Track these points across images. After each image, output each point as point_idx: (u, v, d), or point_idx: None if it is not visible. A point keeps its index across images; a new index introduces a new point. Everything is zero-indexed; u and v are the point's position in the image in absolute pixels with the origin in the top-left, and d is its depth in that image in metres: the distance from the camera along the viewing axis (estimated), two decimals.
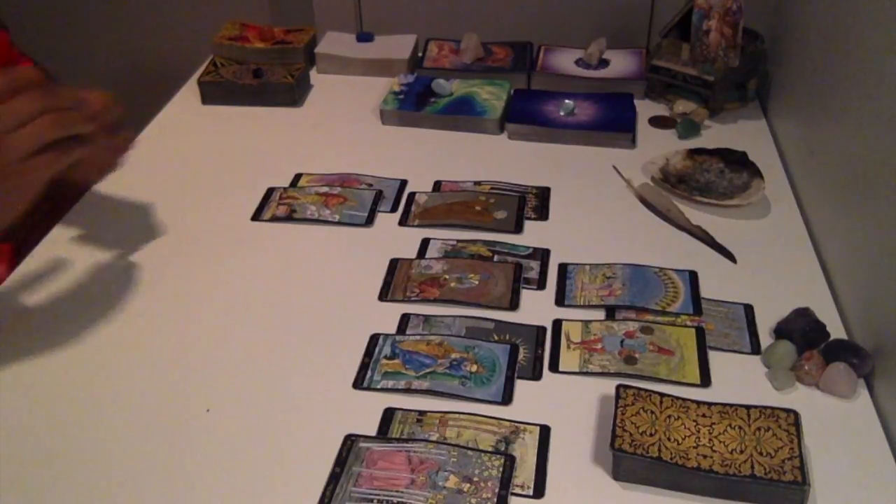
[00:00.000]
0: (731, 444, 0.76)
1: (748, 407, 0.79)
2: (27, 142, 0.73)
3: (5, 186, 0.75)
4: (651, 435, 0.76)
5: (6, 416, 0.84)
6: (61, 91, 0.76)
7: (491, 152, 1.31)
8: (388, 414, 0.83)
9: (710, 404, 0.80)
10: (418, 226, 1.13)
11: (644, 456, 0.74)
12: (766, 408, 0.79)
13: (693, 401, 0.80)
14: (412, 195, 1.19)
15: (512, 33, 1.64)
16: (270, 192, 1.20)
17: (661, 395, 0.81)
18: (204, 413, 0.83)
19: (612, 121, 1.35)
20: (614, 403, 0.79)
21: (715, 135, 1.35)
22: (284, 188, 1.21)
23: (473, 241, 1.09)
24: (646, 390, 0.81)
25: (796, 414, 0.78)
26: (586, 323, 0.95)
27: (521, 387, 0.87)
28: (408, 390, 0.86)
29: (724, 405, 0.80)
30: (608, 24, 1.83)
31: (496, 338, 0.93)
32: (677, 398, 0.81)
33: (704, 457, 0.75)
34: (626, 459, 0.75)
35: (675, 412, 0.79)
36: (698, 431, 0.77)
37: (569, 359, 0.90)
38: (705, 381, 0.87)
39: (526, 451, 0.79)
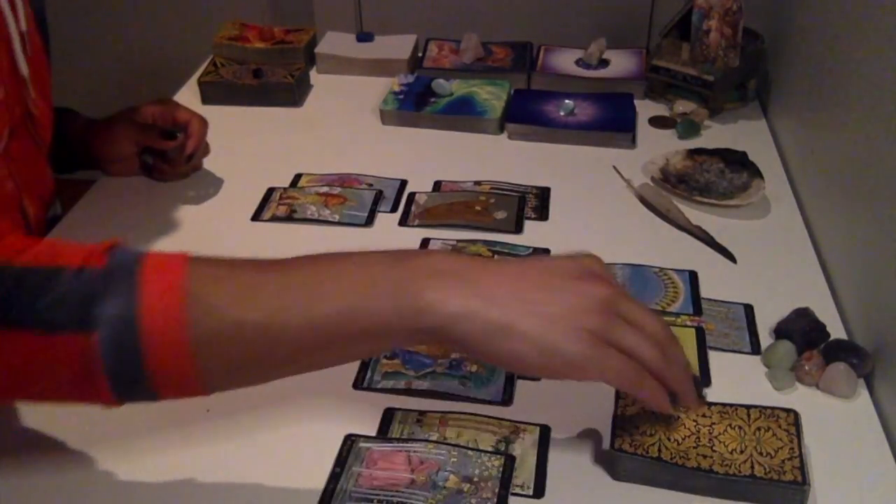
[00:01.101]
0: (731, 445, 0.76)
1: (748, 407, 0.79)
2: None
3: None
4: (651, 435, 0.76)
5: (6, 415, 0.84)
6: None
7: (491, 152, 1.31)
8: (388, 414, 0.83)
9: (709, 404, 0.80)
10: (418, 226, 1.13)
11: (644, 456, 0.74)
12: (765, 408, 0.79)
13: None
14: (412, 195, 1.19)
15: (512, 33, 1.64)
16: (270, 192, 1.20)
17: None
18: (204, 413, 0.83)
19: (612, 121, 1.35)
20: (614, 403, 0.79)
21: (715, 135, 1.35)
22: (284, 188, 1.21)
23: (473, 241, 1.09)
24: None
25: (796, 414, 0.78)
26: None
27: (521, 387, 0.87)
28: (408, 390, 0.86)
29: (724, 405, 0.80)
30: (608, 24, 1.83)
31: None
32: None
33: (704, 457, 0.74)
34: (626, 459, 0.75)
35: (674, 412, 0.79)
36: (698, 431, 0.77)
37: None
38: (705, 381, 0.86)
39: (526, 451, 0.79)
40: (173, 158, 1.16)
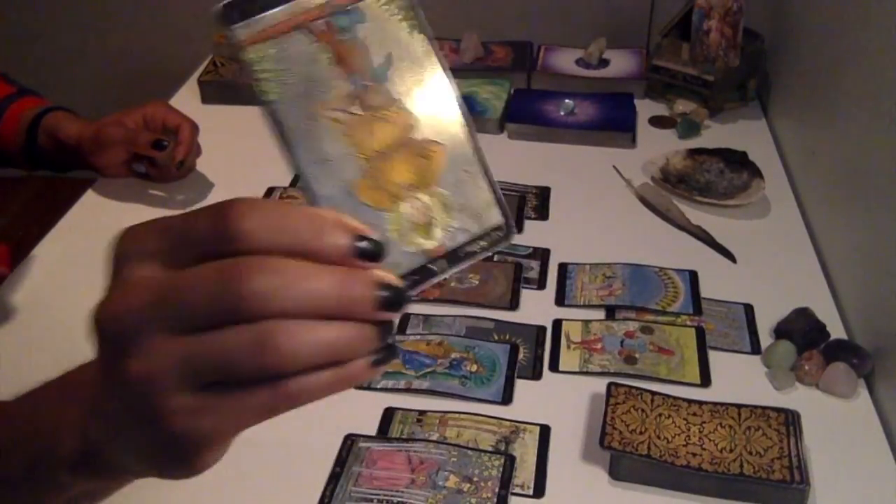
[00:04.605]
0: (721, 443, 0.76)
1: (739, 406, 0.79)
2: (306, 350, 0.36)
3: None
4: (641, 433, 0.76)
5: None
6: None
7: (491, 152, 1.30)
8: (388, 414, 0.83)
9: (701, 403, 0.80)
10: None
11: (633, 453, 0.74)
12: (756, 407, 0.79)
13: (684, 400, 0.80)
14: None
15: (512, 33, 1.64)
16: (270, 191, 1.20)
17: (653, 393, 0.81)
18: None
19: (612, 121, 1.34)
20: (605, 401, 0.79)
21: (715, 135, 1.35)
22: (284, 188, 1.21)
23: None
24: (637, 389, 0.81)
25: (787, 414, 0.78)
26: (586, 323, 0.94)
27: (521, 387, 0.87)
28: (408, 390, 0.86)
29: (716, 404, 0.80)
30: (608, 23, 1.83)
31: (496, 337, 0.93)
32: (668, 397, 0.81)
33: (694, 455, 0.75)
34: (624, 459, 0.75)
35: (665, 411, 0.79)
36: (688, 430, 0.77)
37: (569, 359, 0.90)
38: (705, 381, 0.86)
39: (526, 451, 0.79)
40: (164, 165, 1.16)
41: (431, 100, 0.42)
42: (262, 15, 0.38)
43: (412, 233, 0.40)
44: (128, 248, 0.39)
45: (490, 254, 0.42)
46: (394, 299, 0.36)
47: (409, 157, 0.41)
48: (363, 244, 0.36)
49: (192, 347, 0.35)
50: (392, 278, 0.37)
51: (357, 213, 0.39)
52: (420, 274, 0.40)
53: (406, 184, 0.40)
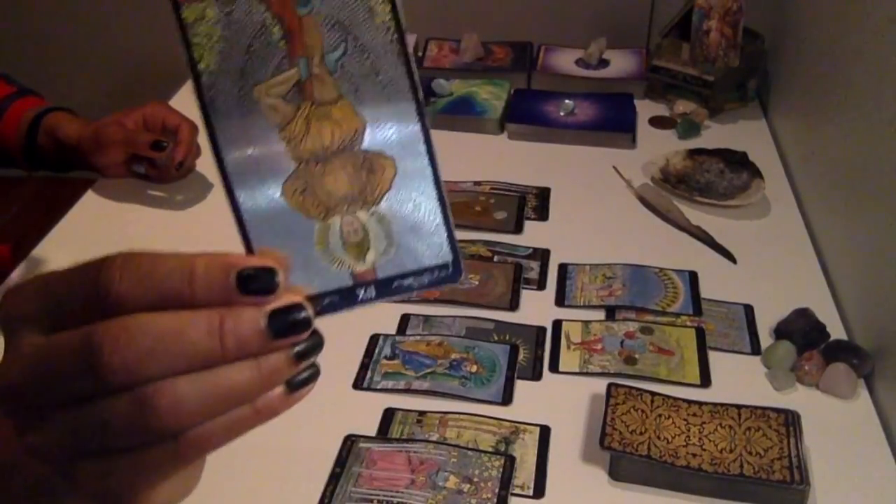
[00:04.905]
0: (721, 444, 0.76)
1: (739, 407, 0.79)
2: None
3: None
4: (641, 433, 0.77)
5: None
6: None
7: (491, 152, 1.31)
8: (388, 414, 0.83)
9: (700, 404, 0.80)
10: None
11: (633, 454, 0.74)
12: (756, 408, 0.79)
13: (684, 400, 0.80)
14: None
15: (512, 33, 1.64)
16: None
17: (653, 394, 0.81)
18: None
19: (612, 121, 1.34)
20: (605, 402, 0.79)
21: (715, 135, 1.35)
22: None
23: (473, 242, 1.09)
24: (637, 389, 0.81)
25: (787, 414, 0.78)
26: (586, 323, 0.94)
27: (521, 387, 0.87)
28: (408, 390, 0.86)
29: (716, 405, 0.80)
30: (608, 23, 1.83)
31: (496, 338, 0.93)
32: (668, 397, 0.81)
33: (694, 455, 0.75)
34: (623, 459, 0.75)
35: (665, 411, 0.79)
36: (688, 430, 0.77)
37: (569, 359, 0.90)
38: (705, 381, 0.86)
39: (526, 452, 0.79)
40: (163, 165, 1.16)
41: (388, 104, 0.35)
42: None
43: (340, 250, 0.35)
44: (11, 311, 0.36)
45: (427, 290, 0.38)
46: (289, 324, 0.33)
47: (351, 167, 0.35)
48: (246, 278, 0.33)
49: (75, 421, 0.33)
50: (289, 300, 0.33)
51: (279, 218, 0.35)
52: (341, 295, 0.35)
53: (343, 195, 0.35)
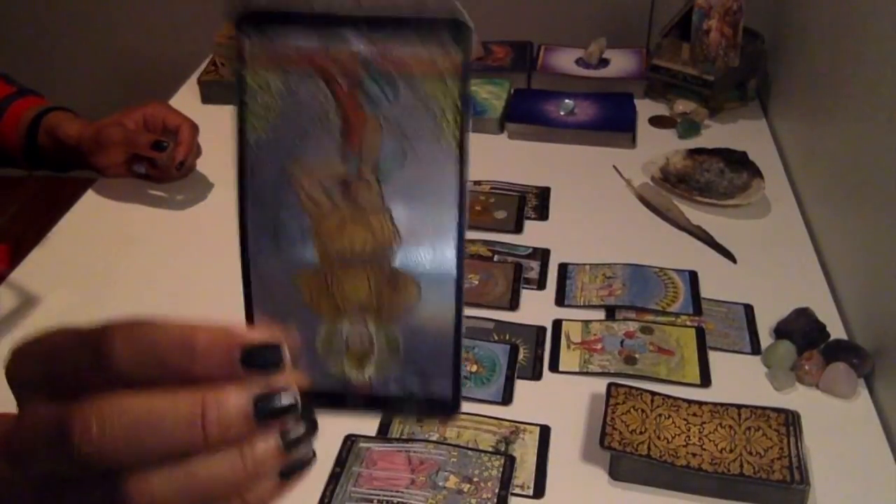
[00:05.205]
0: (721, 444, 0.76)
1: (739, 406, 0.79)
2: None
3: None
4: (641, 433, 0.77)
5: None
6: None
7: (491, 152, 1.31)
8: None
9: (701, 404, 0.80)
10: None
11: (633, 454, 0.74)
12: (756, 408, 0.79)
13: (684, 400, 0.80)
14: None
15: (512, 33, 1.64)
16: None
17: (653, 393, 0.81)
18: None
19: (612, 121, 1.34)
20: (605, 402, 0.79)
21: (715, 135, 1.35)
22: None
23: (473, 241, 1.09)
24: (637, 389, 0.81)
25: (787, 414, 0.78)
26: (586, 323, 0.94)
27: (521, 387, 0.87)
28: None
29: (716, 405, 0.80)
30: (608, 23, 1.83)
31: (496, 338, 0.93)
32: (668, 397, 0.81)
33: (694, 455, 0.75)
34: (624, 459, 0.75)
35: (665, 411, 0.79)
36: (688, 430, 0.77)
37: (569, 359, 0.90)
38: (705, 381, 0.86)
39: (526, 451, 0.79)
40: (163, 166, 1.16)
41: (430, 230, 0.33)
42: (284, 34, 0.31)
43: (341, 356, 0.34)
44: (18, 376, 0.35)
45: (417, 420, 0.37)
46: (276, 410, 0.31)
47: (375, 278, 0.33)
48: (251, 353, 0.31)
49: (54, 499, 0.33)
50: (276, 384, 0.31)
51: (288, 305, 0.33)
52: (330, 399, 0.34)
53: (359, 303, 0.33)
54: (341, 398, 0.34)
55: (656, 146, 1.30)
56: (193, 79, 1.50)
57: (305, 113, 0.32)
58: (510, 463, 0.76)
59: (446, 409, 0.34)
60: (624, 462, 0.75)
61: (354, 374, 0.34)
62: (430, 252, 0.33)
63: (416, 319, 0.33)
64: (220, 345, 0.32)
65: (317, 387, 0.33)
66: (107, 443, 0.31)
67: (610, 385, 0.81)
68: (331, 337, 0.34)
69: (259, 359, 0.31)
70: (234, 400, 0.31)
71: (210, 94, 1.45)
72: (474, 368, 0.88)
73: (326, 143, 0.32)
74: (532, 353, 0.91)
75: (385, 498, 0.73)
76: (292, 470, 0.33)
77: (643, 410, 0.79)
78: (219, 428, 0.31)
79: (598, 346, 0.91)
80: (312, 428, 0.33)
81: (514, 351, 0.90)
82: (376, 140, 0.32)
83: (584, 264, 1.04)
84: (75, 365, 0.33)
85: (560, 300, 0.99)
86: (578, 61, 1.52)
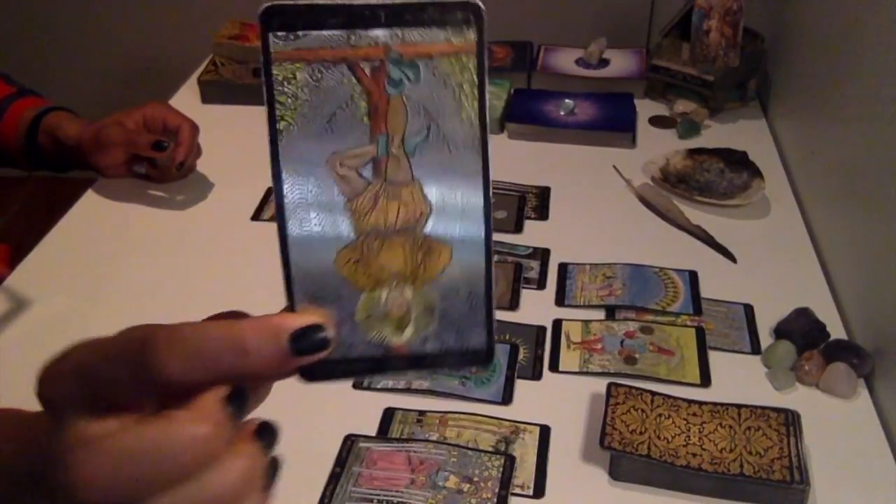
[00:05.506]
0: (721, 444, 0.76)
1: (739, 406, 0.79)
2: None
3: None
4: (641, 433, 0.77)
5: None
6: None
7: (491, 152, 1.31)
8: (388, 414, 0.83)
9: (701, 403, 0.80)
10: None
11: (633, 454, 0.74)
12: (756, 407, 0.79)
13: (684, 400, 0.80)
14: None
15: (512, 33, 1.64)
16: (270, 191, 1.20)
17: (653, 393, 0.81)
18: None
19: (612, 120, 1.34)
20: (605, 401, 0.79)
21: (715, 135, 1.35)
22: None
23: None
24: (637, 389, 0.81)
25: (787, 414, 0.78)
26: (586, 323, 0.94)
27: (521, 387, 0.87)
28: (408, 390, 0.86)
29: (716, 404, 0.80)
30: (608, 23, 1.83)
31: (496, 337, 0.93)
32: (668, 397, 0.81)
33: (694, 455, 0.75)
34: (624, 459, 0.75)
35: (665, 411, 0.79)
36: (688, 430, 0.77)
37: (569, 359, 0.90)
38: (705, 381, 0.86)
39: (526, 451, 0.79)
40: (164, 166, 1.16)
41: (458, 197, 0.35)
42: (308, 33, 0.33)
43: (381, 322, 0.35)
44: (53, 397, 0.35)
45: (455, 373, 0.38)
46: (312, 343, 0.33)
47: (409, 246, 0.35)
48: (297, 338, 0.33)
49: None
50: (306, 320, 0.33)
51: (327, 282, 0.34)
52: (372, 363, 0.36)
53: (395, 272, 0.35)
54: (383, 362, 0.36)
55: (656, 146, 1.30)
56: (193, 79, 1.50)
57: (332, 99, 0.34)
58: (510, 463, 0.77)
59: (481, 358, 0.37)
60: (624, 462, 0.75)
61: (394, 337, 0.35)
62: (460, 217, 0.35)
63: (450, 279, 0.36)
64: (268, 337, 0.33)
65: (358, 354, 0.35)
66: (111, 487, 0.31)
67: (610, 385, 0.81)
68: (370, 306, 0.35)
69: (307, 342, 0.33)
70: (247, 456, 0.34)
71: (210, 94, 1.45)
72: (474, 369, 0.88)
73: (355, 126, 0.34)
74: (532, 353, 0.91)
75: (385, 498, 0.73)
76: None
77: (643, 410, 0.79)
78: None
79: (598, 346, 0.91)
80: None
81: (514, 351, 0.90)
82: (401, 119, 0.34)
83: (584, 264, 1.04)
84: (115, 380, 0.33)
85: (560, 300, 0.99)
86: (578, 61, 1.52)
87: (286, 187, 0.34)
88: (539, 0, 1.92)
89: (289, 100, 0.33)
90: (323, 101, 0.34)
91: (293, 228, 0.34)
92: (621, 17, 1.86)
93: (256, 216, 1.15)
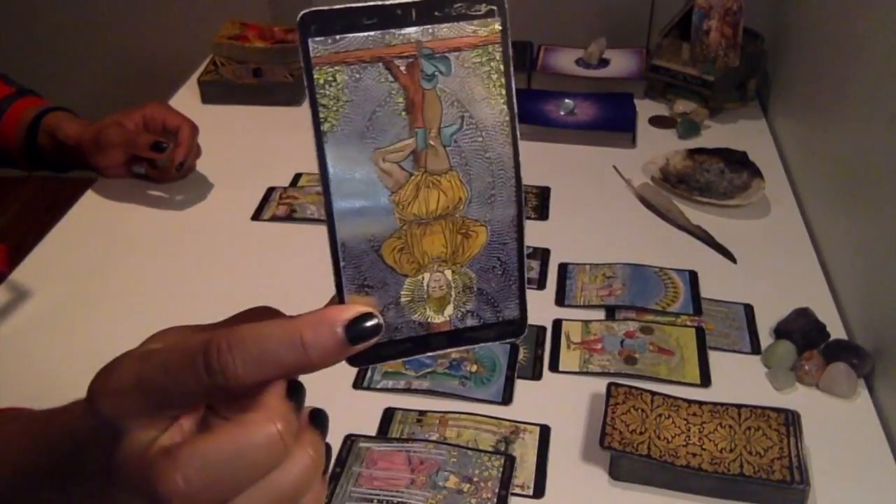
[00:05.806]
0: (721, 444, 0.76)
1: (739, 406, 0.79)
2: None
3: None
4: (641, 433, 0.77)
5: None
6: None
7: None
8: (388, 414, 0.83)
9: (701, 403, 0.80)
10: None
11: (633, 453, 0.74)
12: (756, 407, 0.79)
13: (684, 400, 0.80)
14: None
15: (512, 33, 1.64)
16: (270, 191, 1.20)
17: (653, 393, 0.81)
18: None
19: (612, 121, 1.34)
20: (605, 401, 0.79)
21: (715, 135, 1.35)
22: (284, 188, 1.21)
23: None
24: (637, 389, 0.81)
25: (787, 414, 0.78)
26: (586, 323, 0.94)
27: (521, 387, 0.87)
28: (408, 390, 0.86)
29: (716, 404, 0.80)
30: (608, 23, 1.83)
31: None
32: (668, 397, 0.81)
33: (694, 455, 0.75)
34: (624, 459, 0.75)
35: (665, 411, 0.79)
36: (688, 430, 0.77)
37: (569, 359, 0.90)
38: (705, 381, 0.87)
39: (526, 451, 0.79)
40: (163, 166, 1.16)
41: (493, 181, 0.38)
42: (344, 36, 0.35)
43: (423, 303, 0.38)
44: (112, 412, 0.36)
45: (494, 343, 0.40)
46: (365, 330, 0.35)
47: (448, 231, 0.38)
48: (352, 326, 0.35)
49: None
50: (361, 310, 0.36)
51: (374, 270, 0.37)
52: (415, 343, 0.38)
53: (436, 255, 0.38)
54: (425, 341, 0.38)
55: (656, 146, 1.30)
56: (193, 79, 1.51)
57: (372, 98, 0.35)
58: (510, 463, 0.77)
59: (516, 329, 0.40)
60: (624, 462, 0.75)
61: (436, 316, 0.38)
62: (495, 200, 0.38)
63: (487, 258, 0.38)
64: (324, 330, 0.35)
65: (402, 336, 0.38)
66: (200, 493, 0.33)
67: (610, 385, 0.81)
68: (413, 290, 0.38)
69: (361, 330, 0.35)
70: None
71: (210, 94, 1.45)
72: (474, 368, 0.88)
73: (394, 121, 0.36)
74: (532, 353, 0.91)
75: (385, 498, 0.73)
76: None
77: (643, 410, 0.79)
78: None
79: (598, 346, 0.91)
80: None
81: (514, 351, 0.90)
82: (437, 112, 0.36)
83: (584, 264, 1.04)
84: (181, 390, 0.35)
85: (560, 300, 0.99)
86: (578, 61, 1.52)
87: (333, 187, 0.36)
88: (539, 0, 1.92)
89: (331, 102, 0.35)
90: (363, 100, 0.35)
91: (341, 226, 0.36)
92: (621, 17, 1.86)
93: (256, 216, 1.15)
